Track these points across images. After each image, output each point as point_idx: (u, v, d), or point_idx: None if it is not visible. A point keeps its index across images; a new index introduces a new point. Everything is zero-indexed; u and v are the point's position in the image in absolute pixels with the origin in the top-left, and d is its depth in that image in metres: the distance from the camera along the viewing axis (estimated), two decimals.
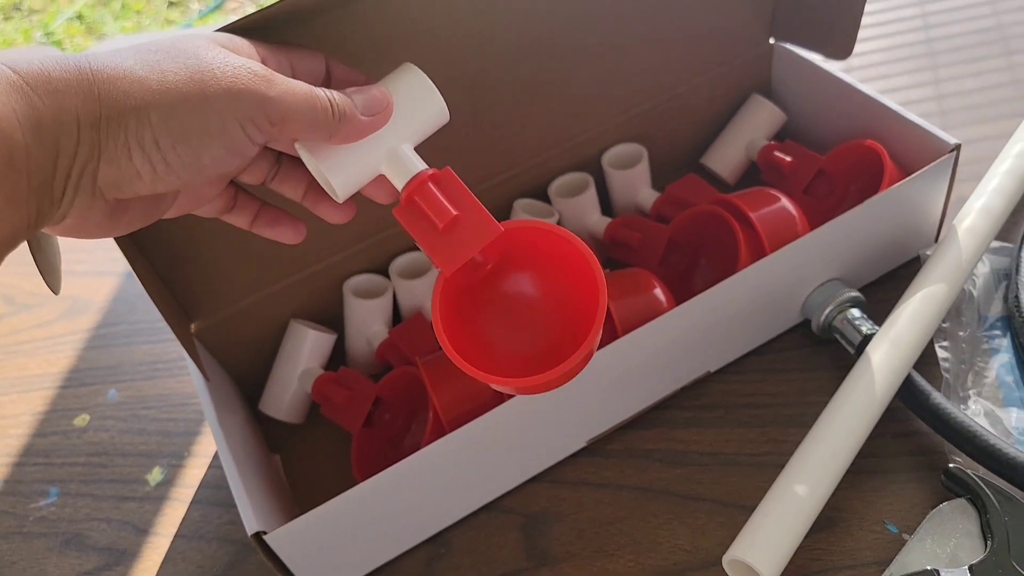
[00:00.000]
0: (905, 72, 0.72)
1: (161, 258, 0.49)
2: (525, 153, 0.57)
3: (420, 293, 0.55)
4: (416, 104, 0.37)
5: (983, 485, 0.43)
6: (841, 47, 0.57)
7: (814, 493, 0.41)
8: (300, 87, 0.33)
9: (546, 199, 0.59)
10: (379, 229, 0.55)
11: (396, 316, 0.57)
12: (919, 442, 0.48)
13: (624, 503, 0.48)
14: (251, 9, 0.45)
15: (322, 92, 0.34)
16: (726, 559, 0.40)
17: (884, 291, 0.55)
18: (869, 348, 0.47)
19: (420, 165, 0.37)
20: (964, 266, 0.51)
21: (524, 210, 0.57)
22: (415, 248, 0.57)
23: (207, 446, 0.58)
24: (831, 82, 0.58)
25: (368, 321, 0.55)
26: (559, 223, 0.58)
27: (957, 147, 0.50)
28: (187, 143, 0.30)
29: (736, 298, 0.49)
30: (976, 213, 0.53)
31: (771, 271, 0.49)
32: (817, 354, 0.53)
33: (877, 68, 0.73)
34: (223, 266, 0.52)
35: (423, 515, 0.48)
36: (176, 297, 0.51)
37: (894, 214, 0.52)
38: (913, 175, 0.50)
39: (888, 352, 0.47)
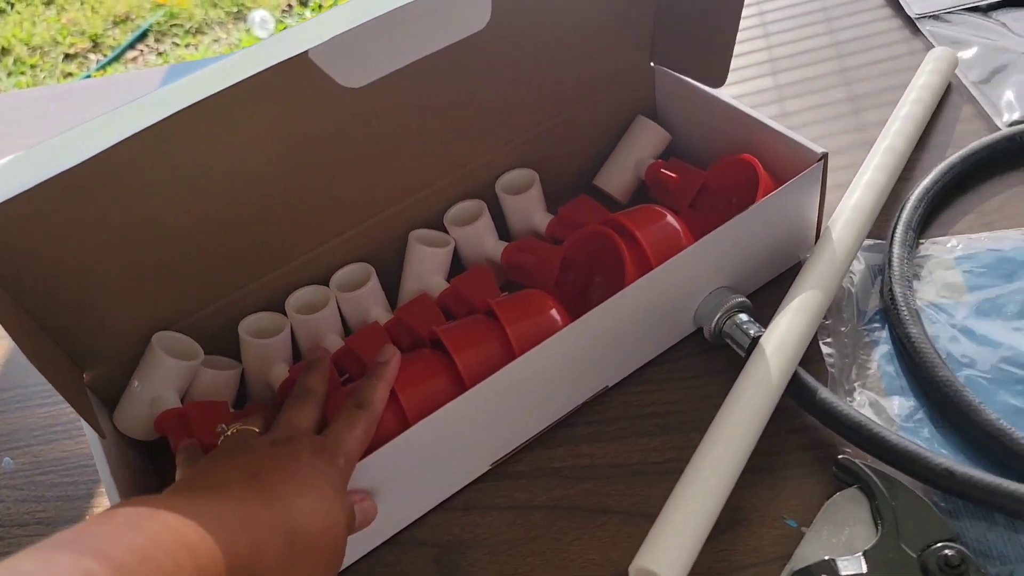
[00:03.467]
0: (776, 86, 0.76)
1: (46, 308, 0.48)
2: (418, 183, 0.58)
3: (318, 327, 0.55)
4: None
5: (871, 473, 0.45)
6: (716, 74, 0.59)
7: (712, 495, 0.43)
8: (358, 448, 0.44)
9: (442, 228, 0.59)
10: (277, 265, 0.55)
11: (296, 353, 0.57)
12: (812, 437, 0.50)
13: (535, 523, 0.49)
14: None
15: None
16: (632, 569, 0.41)
17: (771, 296, 0.57)
18: (756, 351, 0.49)
19: None
20: (839, 266, 0.53)
21: (420, 240, 0.57)
22: (312, 282, 0.57)
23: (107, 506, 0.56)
24: (710, 101, 0.61)
25: (267, 360, 0.55)
26: (456, 251, 0.59)
27: (824, 156, 0.53)
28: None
29: (627, 312, 0.50)
30: (846, 216, 0.56)
31: (658, 284, 0.50)
32: (711, 360, 0.55)
33: (757, 90, 0.77)
34: (114, 309, 0.50)
35: None
36: (66, 348, 0.50)
37: (772, 222, 0.54)
38: (784, 185, 0.52)
39: (774, 353, 0.48)
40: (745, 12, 0.85)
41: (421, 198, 0.58)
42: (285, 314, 0.56)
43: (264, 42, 0.45)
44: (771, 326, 0.50)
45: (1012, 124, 0.65)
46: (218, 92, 0.39)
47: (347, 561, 0.49)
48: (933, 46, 0.74)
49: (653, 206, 0.57)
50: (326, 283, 0.57)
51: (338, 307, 0.57)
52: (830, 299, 0.52)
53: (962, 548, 0.41)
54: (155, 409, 0.51)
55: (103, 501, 0.57)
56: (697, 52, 0.60)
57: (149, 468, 0.54)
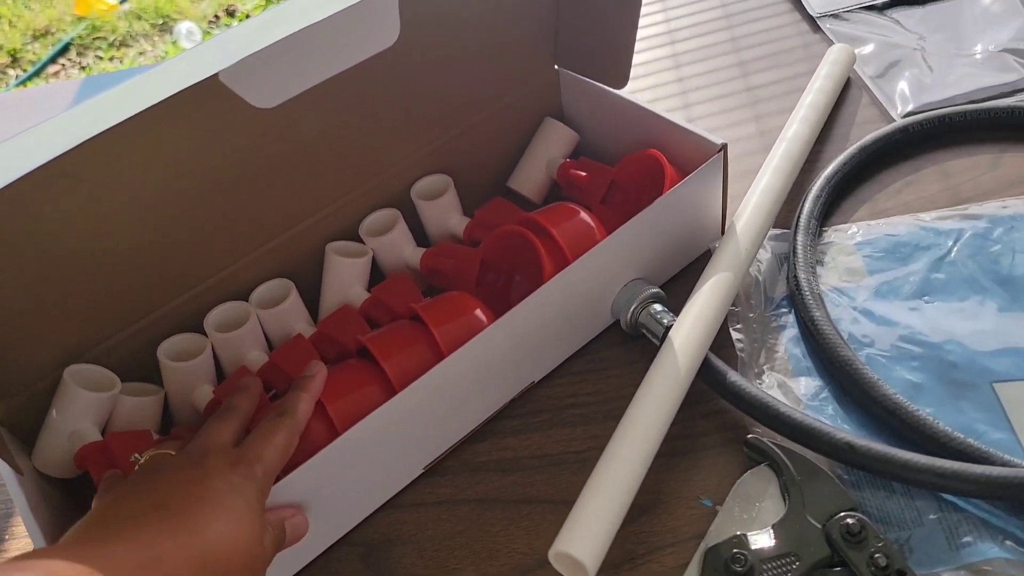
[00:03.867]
0: (679, 79, 0.79)
1: None
2: (331, 196, 0.58)
3: (239, 344, 0.55)
4: None
5: (778, 450, 0.47)
6: (618, 76, 0.61)
7: (626, 480, 0.44)
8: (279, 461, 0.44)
9: (359, 239, 0.60)
10: (192, 284, 0.55)
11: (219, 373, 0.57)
12: (724, 419, 0.52)
13: (462, 517, 0.50)
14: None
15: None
16: (551, 554, 0.42)
17: (683, 285, 0.58)
18: (666, 340, 0.51)
19: None
20: (745, 254, 0.55)
21: (337, 252, 0.58)
22: (231, 298, 0.57)
23: (28, 546, 0.55)
24: (614, 101, 0.62)
25: (190, 383, 0.54)
26: (375, 261, 0.60)
27: (724, 146, 0.55)
28: None
29: (547, 307, 0.52)
30: (753, 202, 0.58)
31: (575, 277, 0.52)
32: (629, 350, 0.57)
33: (661, 84, 0.79)
34: (21, 340, 0.50)
35: None
36: None
37: (678, 213, 0.56)
38: (688, 176, 0.55)
39: (683, 341, 0.50)
40: (651, 13, 0.88)
41: (336, 210, 0.59)
42: (205, 334, 0.56)
43: (172, 62, 0.45)
44: (680, 315, 0.52)
45: (905, 115, 0.68)
46: (126, 120, 0.39)
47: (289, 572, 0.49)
48: (833, 43, 0.77)
49: (566, 203, 0.58)
50: (246, 301, 0.57)
51: (260, 325, 0.57)
52: (736, 286, 0.54)
53: (862, 516, 0.43)
54: (74, 444, 0.49)
55: (19, 544, 0.55)
56: (599, 55, 0.62)
57: (72, 506, 0.52)
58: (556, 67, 0.66)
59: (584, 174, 0.63)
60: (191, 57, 0.45)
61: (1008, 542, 0.43)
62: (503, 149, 0.66)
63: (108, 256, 0.50)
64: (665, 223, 0.56)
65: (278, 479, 0.43)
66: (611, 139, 0.65)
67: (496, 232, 0.57)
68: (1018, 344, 0.51)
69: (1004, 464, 0.44)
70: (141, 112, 0.39)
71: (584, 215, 0.57)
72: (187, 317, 0.55)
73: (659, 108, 0.60)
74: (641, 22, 0.86)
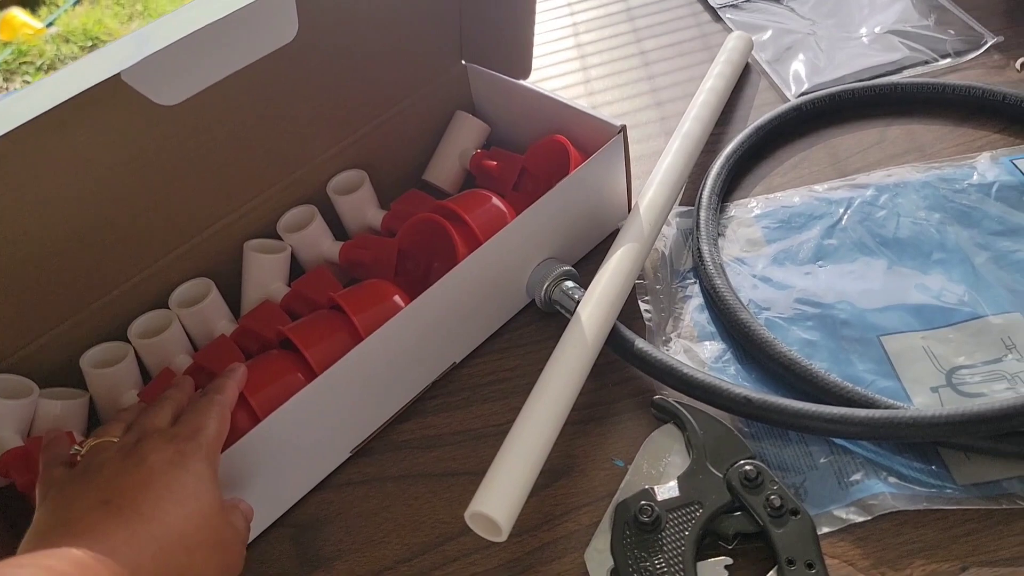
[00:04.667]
0: (579, 71, 0.82)
1: None
2: (247, 194, 0.60)
3: (163, 349, 0.56)
4: None
5: (682, 408, 0.49)
6: (521, 68, 0.64)
7: (537, 440, 0.46)
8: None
9: (277, 237, 0.61)
10: (110, 288, 0.56)
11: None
12: (635, 385, 0.54)
13: (387, 493, 0.52)
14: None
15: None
16: (467, 515, 0.44)
17: (595, 263, 0.61)
18: (576, 311, 0.53)
19: None
20: (648, 231, 0.58)
21: (255, 249, 0.59)
22: (151, 300, 0.57)
23: None
24: (521, 91, 0.65)
25: (115, 388, 0.55)
26: (295, 258, 0.61)
27: (623, 128, 0.58)
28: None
29: (461, 289, 0.54)
30: (654, 187, 0.61)
31: (487, 258, 0.54)
32: (545, 327, 0.59)
33: (565, 73, 0.82)
34: None
35: None
36: None
37: (584, 193, 0.59)
38: (591, 157, 0.57)
39: (591, 312, 0.53)
40: (557, 9, 0.91)
41: (253, 208, 0.60)
42: (127, 339, 0.56)
43: (76, 64, 0.46)
44: (588, 290, 0.55)
45: (799, 96, 0.72)
46: (28, 122, 0.40)
47: None
48: (732, 31, 0.81)
49: (478, 190, 0.61)
50: (165, 302, 0.58)
51: (182, 325, 0.57)
52: (641, 260, 0.57)
53: (759, 463, 0.45)
54: None
55: None
56: (501, 48, 0.64)
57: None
58: (463, 62, 0.68)
59: (495, 163, 0.65)
60: (95, 59, 0.46)
61: (891, 478, 0.46)
62: (417, 143, 0.68)
63: (22, 262, 0.50)
64: (572, 203, 0.58)
65: None
66: (520, 128, 0.67)
67: (411, 221, 0.59)
68: (902, 300, 0.55)
69: (887, 407, 0.47)
70: (45, 114, 0.40)
71: (496, 200, 0.59)
72: (107, 320, 0.56)
73: (564, 96, 0.62)
74: (547, 17, 0.90)
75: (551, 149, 0.62)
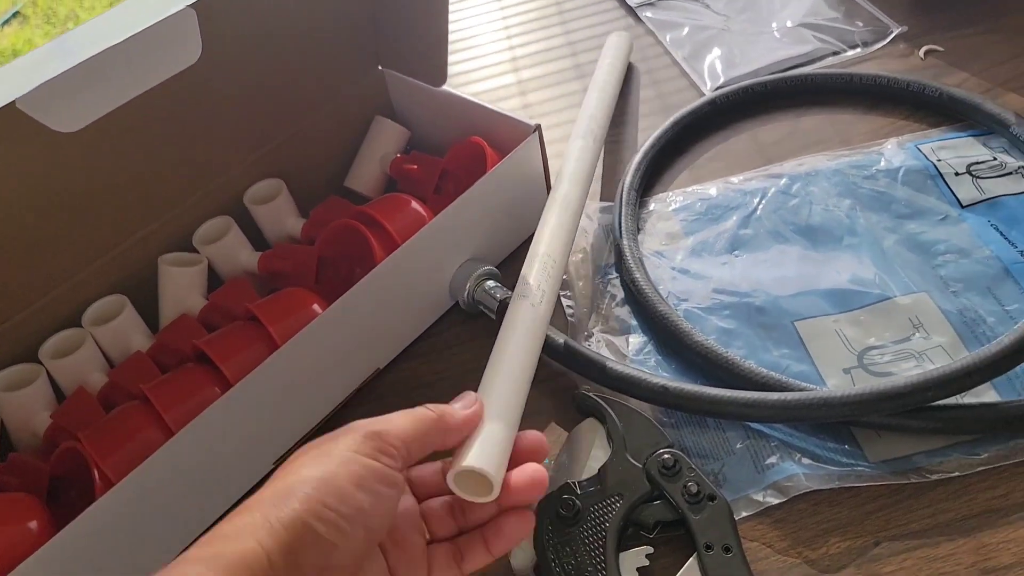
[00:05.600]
0: (510, 71, 0.82)
1: None
2: (161, 207, 0.59)
3: (77, 369, 0.55)
4: None
5: (601, 401, 0.50)
6: (436, 75, 0.64)
7: (511, 399, 0.44)
8: (401, 416, 0.39)
9: (193, 250, 0.60)
10: (20, 308, 0.54)
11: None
12: (560, 382, 0.54)
13: None
14: None
15: (420, 409, 0.40)
16: (449, 477, 0.40)
17: (518, 262, 0.61)
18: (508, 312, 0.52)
19: None
20: (567, 224, 0.57)
21: (170, 263, 0.58)
22: (63, 319, 0.56)
23: None
24: (439, 95, 0.65)
25: (27, 410, 0.54)
26: (213, 271, 0.60)
27: (538, 127, 0.59)
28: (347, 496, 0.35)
29: (380, 293, 0.53)
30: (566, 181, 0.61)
31: (405, 261, 0.54)
32: (470, 328, 0.59)
33: (501, 85, 0.83)
34: None
35: None
36: None
37: (502, 192, 0.59)
38: (506, 156, 0.57)
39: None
40: (489, 14, 0.91)
41: (167, 222, 0.59)
42: (39, 360, 0.55)
43: None
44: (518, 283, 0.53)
45: (714, 90, 0.73)
46: None
47: None
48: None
49: (397, 194, 0.60)
50: (78, 320, 0.57)
51: (97, 345, 0.56)
52: (563, 261, 0.56)
53: (676, 451, 0.46)
54: None
55: None
56: (417, 55, 0.64)
57: None
58: (380, 67, 0.68)
59: (416, 167, 0.65)
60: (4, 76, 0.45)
61: (806, 459, 0.47)
62: (337, 150, 0.68)
63: None
64: (490, 203, 0.58)
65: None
66: (440, 132, 0.67)
67: (329, 228, 0.58)
68: (815, 286, 0.56)
69: (799, 390, 0.48)
70: None
71: (415, 204, 0.59)
72: (17, 341, 0.54)
73: (486, 100, 0.62)
74: (479, 24, 0.90)
75: (470, 151, 0.62)
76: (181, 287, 0.58)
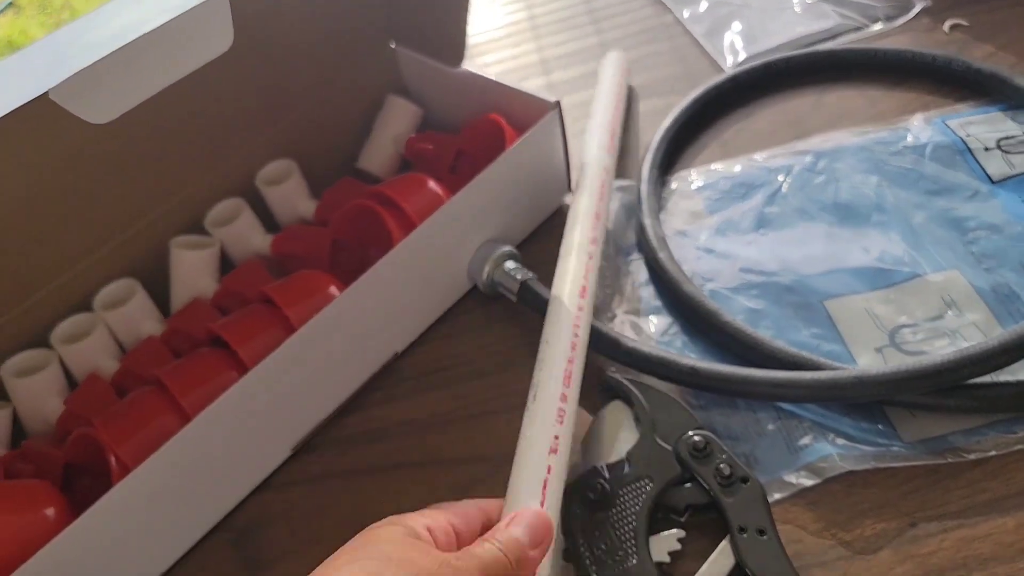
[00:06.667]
0: (523, 52, 0.80)
1: None
2: (172, 189, 0.58)
3: (89, 354, 0.53)
4: None
5: (628, 384, 0.48)
6: (454, 55, 0.62)
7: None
8: (473, 563, 0.34)
9: (205, 232, 0.59)
10: (29, 292, 0.53)
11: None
12: (587, 362, 0.53)
13: (331, 491, 0.50)
14: None
15: (493, 549, 0.35)
16: None
17: (539, 242, 0.60)
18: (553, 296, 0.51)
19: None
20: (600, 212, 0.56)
21: (181, 246, 0.57)
22: (75, 303, 0.55)
23: None
24: (453, 73, 0.63)
25: (39, 397, 0.53)
26: (225, 254, 0.59)
27: (557, 104, 0.57)
28: None
29: (398, 275, 0.52)
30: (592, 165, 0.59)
31: (423, 242, 0.52)
32: (489, 311, 0.58)
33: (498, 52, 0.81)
34: None
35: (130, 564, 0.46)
36: None
37: (521, 171, 0.57)
38: (525, 134, 0.56)
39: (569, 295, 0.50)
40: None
41: (178, 204, 0.58)
42: (50, 345, 0.54)
43: None
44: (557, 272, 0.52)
45: (735, 67, 0.72)
46: None
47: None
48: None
49: (413, 174, 0.59)
50: (89, 305, 0.55)
51: (109, 330, 0.55)
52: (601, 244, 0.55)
53: (707, 433, 0.45)
54: None
55: None
56: (433, 34, 0.63)
57: None
58: (392, 45, 0.67)
59: (430, 146, 0.64)
60: (13, 67, 0.43)
61: (839, 440, 0.45)
62: (350, 130, 0.67)
63: None
64: (509, 182, 0.57)
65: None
66: (455, 110, 0.66)
67: (343, 209, 0.57)
68: (844, 264, 0.55)
69: (831, 369, 0.47)
70: None
71: (432, 183, 0.58)
72: (29, 326, 0.53)
73: (506, 80, 0.61)
74: (504, 8, 0.88)
75: (486, 129, 0.60)
76: (193, 270, 0.57)
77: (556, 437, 0.42)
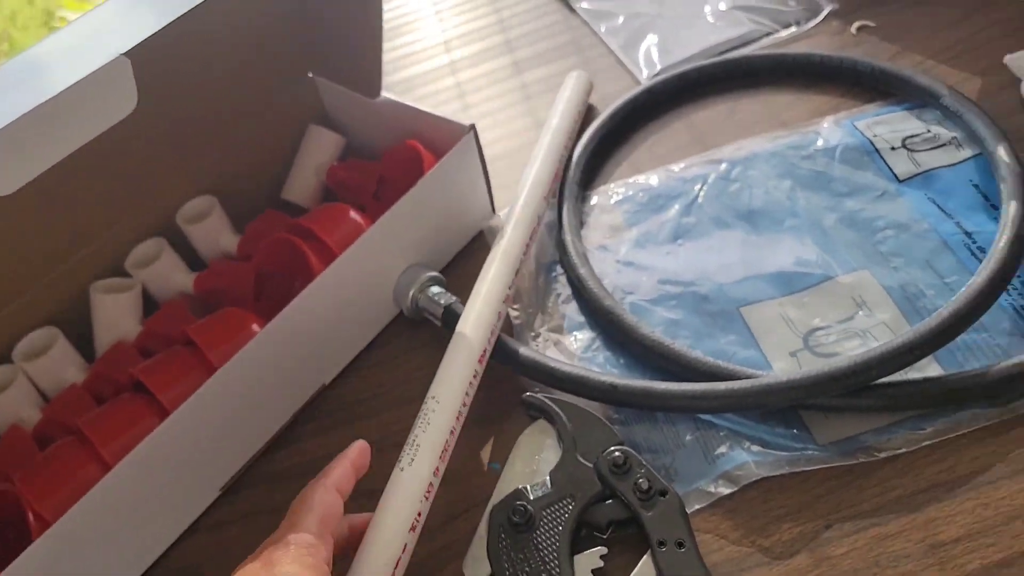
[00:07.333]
0: (452, 87, 0.81)
1: None
2: (90, 232, 0.57)
3: (9, 407, 0.53)
4: None
5: (550, 403, 0.49)
6: (371, 86, 0.62)
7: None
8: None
9: (126, 274, 0.59)
10: None
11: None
12: (509, 386, 0.54)
13: (264, 529, 0.48)
14: None
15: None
16: None
17: (465, 264, 0.61)
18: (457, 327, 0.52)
19: None
20: (521, 235, 0.57)
21: (102, 290, 0.56)
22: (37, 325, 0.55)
23: None
24: (372, 101, 0.64)
25: (13, 409, 0.52)
26: (149, 295, 0.59)
27: (471, 127, 0.58)
28: None
29: (320, 307, 0.52)
30: (527, 188, 0.60)
31: (344, 272, 0.53)
32: (416, 336, 0.58)
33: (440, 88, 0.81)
34: None
35: None
36: None
37: (440, 196, 0.58)
38: (441, 160, 0.56)
39: (473, 322, 0.51)
40: (420, 9, 0.90)
41: (98, 247, 0.57)
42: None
43: None
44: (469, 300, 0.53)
45: (651, 78, 0.73)
46: None
47: None
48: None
49: (334, 204, 0.59)
50: (8, 356, 0.55)
51: (30, 380, 0.55)
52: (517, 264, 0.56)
53: (626, 448, 0.46)
54: None
55: None
56: (349, 65, 0.63)
57: None
58: (310, 75, 0.67)
59: (352, 175, 0.64)
60: None
61: (755, 447, 0.47)
62: (272, 162, 0.66)
63: None
64: (429, 208, 0.57)
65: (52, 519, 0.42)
66: (376, 138, 0.66)
67: (265, 243, 0.57)
68: (759, 270, 0.56)
69: (747, 377, 0.48)
70: None
71: (352, 213, 0.58)
72: None
73: (426, 104, 0.61)
74: (417, 33, 0.88)
75: (405, 155, 0.61)
76: (115, 314, 0.56)
77: (419, 514, 0.43)
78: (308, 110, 0.68)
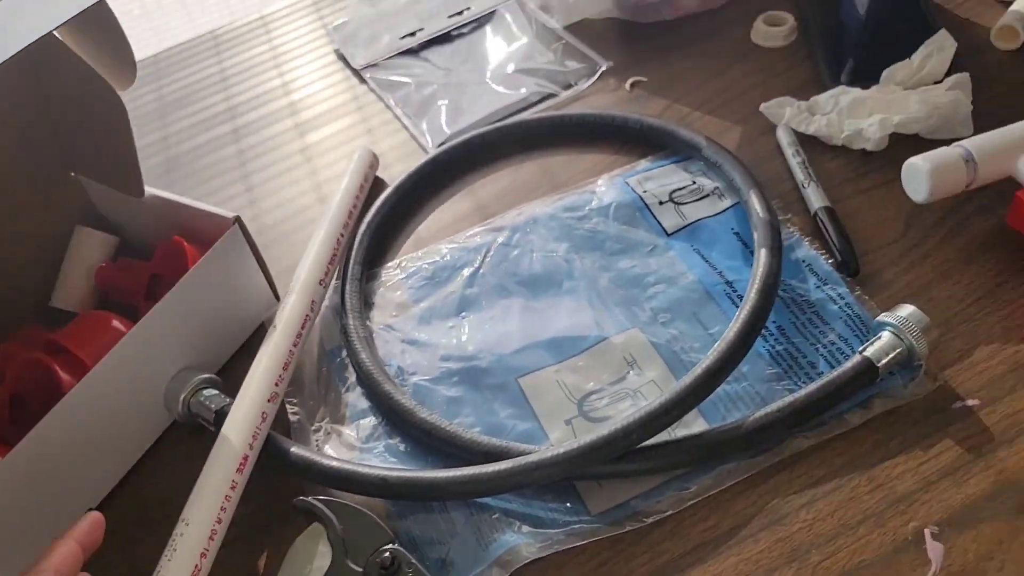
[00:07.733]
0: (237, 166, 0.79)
1: None
2: None
3: None
4: None
5: (319, 504, 0.47)
6: (133, 186, 0.60)
7: None
8: None
9: None
10: None
11: None
12: (287, 489, 0.51)
13: None
14: None
15: None
16: None
17: (244, 363, 0.58)
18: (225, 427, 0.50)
19: None
20: (290, 332, 0.55)
21: None
22: None
23: None
24: (140, 198, 0.61)
25: None
26: None
27: (236, 218, 0.56)
28: None
29: (73, 427, 0.49)
30: (301, 276, 0.59)
31: (99, 386, 0.49)
32: (199, 441, 0.55)
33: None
34: None
35: None
36: None
37: (210, 292, 0.56)
38: (204, 255, 0.54)
39: (238, 426, 0.49)
40: (209, 76, 0.88)
41: None
42: None
43: None
44: (238, 398, 0.51)
45: (437, 147, 0.73)
46: None
47: None
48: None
49: (94, 312, 0.56)
50: None
51: None
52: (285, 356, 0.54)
53: (395, 548, 0.44)
54: None
55: None
56: (110, 166, 0.60)
57: None
58: (74, 175, 0.64)
59: (122, 275, 0.61)
60: None
61: (526, 527, 0.46)
62: (40, 267, 0.62)
63: None
64: (199, 305, 0.55)
65: None
66: (148, 235, 0.63)
67: (13, 366, 0.53)
68: (537, 337, 0.56)
69: (519, 455, 0.47)
70: None
71: (115, 321, 0.55)
72: None
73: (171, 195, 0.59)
74: (206, 128, 0.85)
75: (173, 251, 0.58)
76: None
77: None
78: (79, 211, 0.65)
